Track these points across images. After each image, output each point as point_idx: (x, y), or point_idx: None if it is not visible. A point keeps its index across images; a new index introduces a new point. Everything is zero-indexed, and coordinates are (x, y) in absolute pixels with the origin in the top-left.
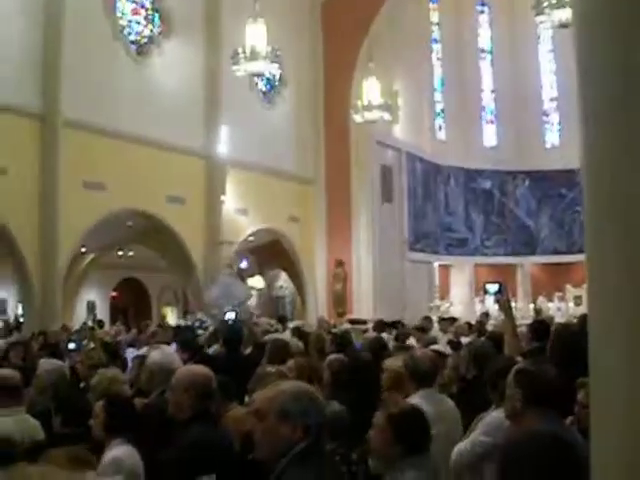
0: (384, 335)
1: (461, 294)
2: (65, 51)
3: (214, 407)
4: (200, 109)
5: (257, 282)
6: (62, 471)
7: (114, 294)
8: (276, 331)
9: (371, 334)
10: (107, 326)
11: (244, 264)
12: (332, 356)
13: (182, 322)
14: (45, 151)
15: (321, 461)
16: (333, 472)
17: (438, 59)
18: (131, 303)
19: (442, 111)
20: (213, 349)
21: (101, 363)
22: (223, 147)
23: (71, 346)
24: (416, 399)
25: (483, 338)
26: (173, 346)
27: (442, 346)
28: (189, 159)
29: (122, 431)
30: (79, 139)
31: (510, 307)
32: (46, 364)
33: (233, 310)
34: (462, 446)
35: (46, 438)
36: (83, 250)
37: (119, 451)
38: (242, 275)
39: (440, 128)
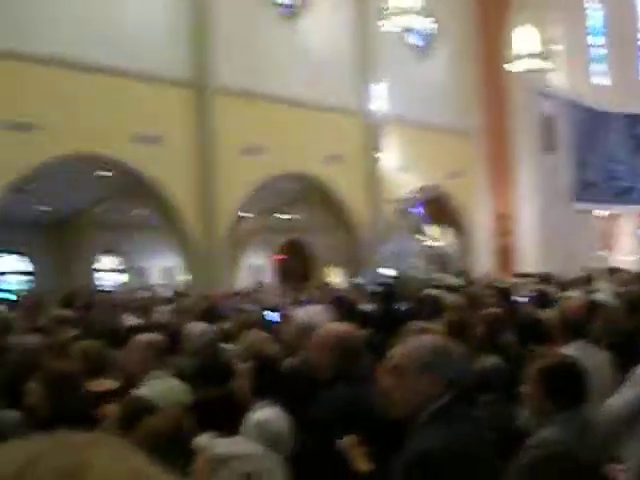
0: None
1: (627, 244)
2: (214, 18)
3: (361, 365)
4: (353, 67)
5: (431, 234)
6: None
7: (278, 257)
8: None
9: (535, 287)
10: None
11: (417, 213)
12: (488, 310)
13: (357, 281)
14: (200, 119)
15: (462, 419)
16: (476, 431)
17: (593, 1)
18: (296, 265)
19: (600, 55)
20: (368, 306)
21: (249, 325)
22: (379, 104)
23: (226, 310)
24: (567, 351)
25: None
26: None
27: (606, 297)
28: (345, 118)
29: (267, 392)
30: (233, 105)
31: None
32: (195, 327)
33: (399, 266)
34: (612, 400)
35: (193, 401)
36: (245, 215)
37: (264, 414)
38: (416, 228)
39: (598, 73)
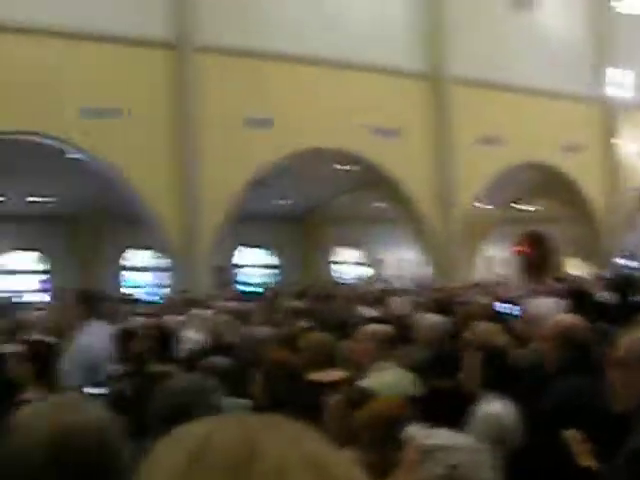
0: None
1: None
2: (448, 9)
3: (592, 357)
4: (590, 52)
5: None
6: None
7: (518, 248)
8: None
9: None
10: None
11: None
12: None
13: (599, 272)
14: (437, 110)
15: None
16: None
17: None
18: (535, 256)
19: None
20: (606, 296)
21: (479, 316)
22: (618, 89)
23: (459, 301)
24: None
25: None
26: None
27: None
28: (583, 105)
29: (496, 384)
30: (470, 95)
31: None
32: (427, 319)
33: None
34: None
35: (422, 393)
36: (482, 206)
37: (494, 407)
38: None
39: None
